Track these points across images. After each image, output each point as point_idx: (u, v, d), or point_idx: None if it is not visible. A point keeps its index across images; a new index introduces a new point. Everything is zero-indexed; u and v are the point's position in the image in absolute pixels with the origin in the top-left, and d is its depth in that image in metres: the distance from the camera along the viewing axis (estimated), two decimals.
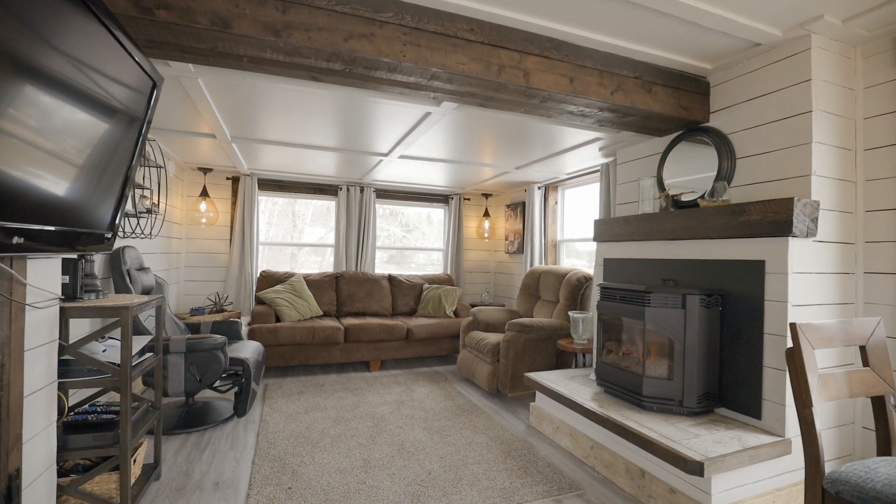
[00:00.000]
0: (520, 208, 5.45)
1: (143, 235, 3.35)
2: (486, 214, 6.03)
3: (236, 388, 3.02)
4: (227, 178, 5.07)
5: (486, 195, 6.14)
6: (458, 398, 3.61)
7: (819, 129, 2.14)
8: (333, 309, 4.87)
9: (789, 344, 2.02)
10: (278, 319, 4.39)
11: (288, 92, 2.58)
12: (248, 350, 3.20)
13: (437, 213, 6.29)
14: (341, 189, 5.36)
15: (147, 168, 3.43)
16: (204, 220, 4.84)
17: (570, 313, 3.46)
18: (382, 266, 6.02)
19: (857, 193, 2.27)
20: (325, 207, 5.77)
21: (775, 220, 2.05)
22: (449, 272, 5.90)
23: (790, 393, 2.04)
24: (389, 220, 6.23)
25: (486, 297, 5.84)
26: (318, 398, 3.52)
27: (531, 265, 4.90)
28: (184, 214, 4.90)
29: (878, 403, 1.56)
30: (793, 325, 1.42)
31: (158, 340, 2.17)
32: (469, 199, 6.14)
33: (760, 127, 2.36)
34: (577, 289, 3.83)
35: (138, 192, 3.26)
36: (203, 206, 4.80)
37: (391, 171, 4.75)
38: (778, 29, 2.14)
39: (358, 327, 4.30)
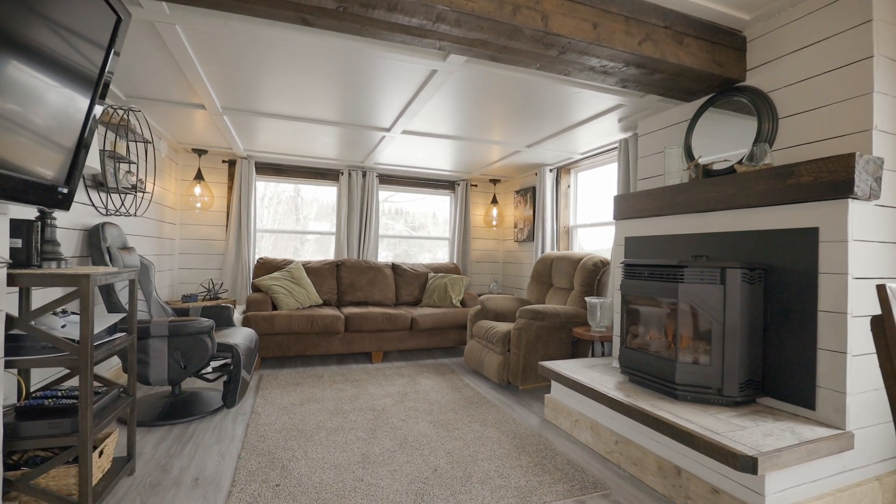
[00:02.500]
0: (529, 194, 5.19)
1: (126, 213, 3.11)
2: (494, 201, 5.77)
3: (225, 377, 2.78)
4: (224, 162, 4.85)
5: (494, 181, 5.88)
6: (465, 390, 3.36)
7: (881, 77, 1.87)
8: (334, 298, 4.63)
9: (857, 314, 1.77)
10: (275, 308, 4.16)
11: (280, 44, 2.33)
12: (240, 336, 2.96)
13: (443, 211, 6.02)
14: (342, 174, 5.12)
15: (135, 143, 3.22)
16: (199, 205, 4.62)
17: (588, 299, 3.19)
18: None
19: None
20: (330, 201, 5.53)
21: (832, 180, 1.78)
22: (455, 261, 5.64)
23: (853, 379, 1.77)
24: (395, 218, 5.98)
25: (494, 287, 5.58)
26: (315, 389, 3.28)
27: (542, 253, 4.64)
28: (178, 199, 4.69)
29: None
30: (881, 288, 1.16)
31: (131, 318, 1.93)
32: (476, 186, 5.87)
33: (807, 81, 2.09)
34: (593, 274, 3.56)
35: (123, 166, 3.04)
36: (198, 189, 4.58)
37: (394, 153, 4.50)
38: None
39: (359, 316, 4.06)
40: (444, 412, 2.88)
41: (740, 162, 2.27)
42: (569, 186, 4.69)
